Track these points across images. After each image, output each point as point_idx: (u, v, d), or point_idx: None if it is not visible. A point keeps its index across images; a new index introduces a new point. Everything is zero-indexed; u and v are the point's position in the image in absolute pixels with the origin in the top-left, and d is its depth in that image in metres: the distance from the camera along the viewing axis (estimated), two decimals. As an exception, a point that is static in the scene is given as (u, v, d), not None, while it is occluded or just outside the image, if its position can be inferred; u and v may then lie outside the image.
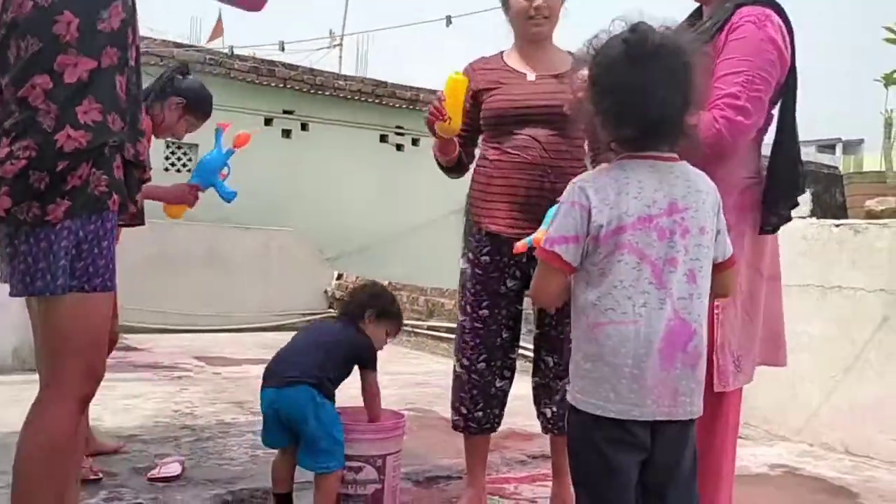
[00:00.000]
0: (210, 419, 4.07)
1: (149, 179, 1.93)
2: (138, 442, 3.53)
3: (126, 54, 1.78)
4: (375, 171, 9.33)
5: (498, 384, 2.71)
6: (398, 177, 9.35)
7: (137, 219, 1.90)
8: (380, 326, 2.67)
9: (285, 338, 2.70)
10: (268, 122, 8.95)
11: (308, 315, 7.72)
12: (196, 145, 7.99)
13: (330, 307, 8.07)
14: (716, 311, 1.97)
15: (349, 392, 2.67)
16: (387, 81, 9.74)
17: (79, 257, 1.69)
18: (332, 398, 2.51)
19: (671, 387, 1.60)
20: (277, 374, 2.51)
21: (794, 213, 2.15)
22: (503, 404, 2.75)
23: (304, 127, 9.21)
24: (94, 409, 3.33)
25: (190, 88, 3.23)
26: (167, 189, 3.19)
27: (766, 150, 2.13)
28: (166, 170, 8.12)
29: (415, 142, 9.70)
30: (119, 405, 4.23)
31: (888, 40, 4.13)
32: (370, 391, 2.63)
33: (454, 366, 2.78)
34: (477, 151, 2.82)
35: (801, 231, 4.01)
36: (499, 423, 2.76)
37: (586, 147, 2.61)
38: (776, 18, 2.01)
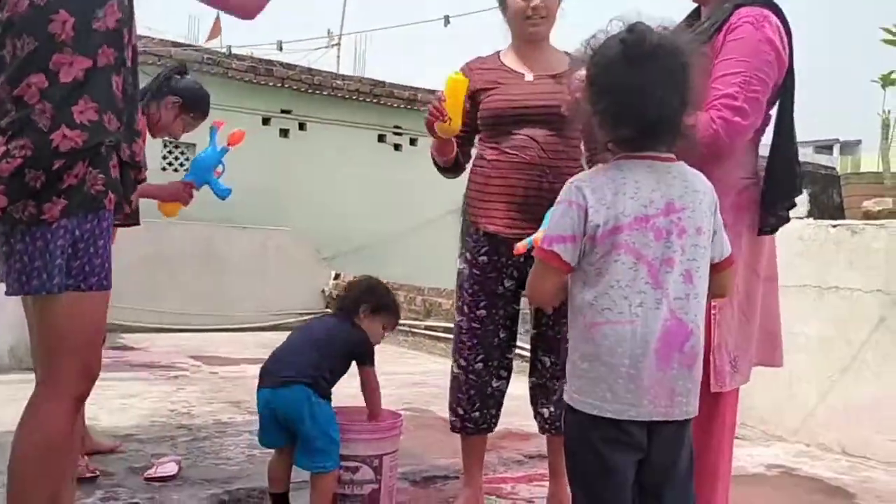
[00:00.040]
0: (207, 419, 4.06)
1: (144, 180, 1.93)
2: (135, 441, 3.53)
3: (123, 54, 1.78)
4: (373, 171, 9.33)
5: (495, 384, 2.71)
6: (396, 177, 9.35)
7: (132, 219, 1.90)
8: (375, 321, 2.65)
9: (282, 337, 2.69)
10: (265, 121, 8.95)
11: (305, 315, 7.71)
12: (193, 145, 7.98)
13: (327, 307, 8.07)
14: (713, 312, 1.97)
15: (346, 391, 2.67)
16: (385, 81, 9.74)
17: (75, 256, 1.69)
18: (328, 397, 2.50)
19: (668, 387, 1.60)
20: (273, 374, 2.50)
21: (791, 213, 2.15)
22: (500, 404, 2.75)
23: (301, 126, 9.20)
24: (90, 408, 3.34)
25: (186, 88, 3.23)
26: (161, 187, 3.19)
27: (764, 150, 2.13)
28: (164, 169, 8.12)
29: (413, 142, 9.71)
30: (115, 404, 4.22)
31: (886, 41, 4.14)
32: (369, 386, 2.62)
33: (451, 366, 2.78)
34: (473, 151, 2.82)
35: (798, 232, 4.01)
36: (495, 423, 2.76)
37: (582, 147, 2.61)
38: (774, 19, 2.01)
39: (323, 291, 8.31)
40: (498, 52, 2.76)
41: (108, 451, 3.28)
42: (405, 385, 5.10)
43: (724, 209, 1.76)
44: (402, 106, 9.68)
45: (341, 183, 9.07)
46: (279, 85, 8.91)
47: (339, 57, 12.23)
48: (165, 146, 8.20)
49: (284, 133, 9.10)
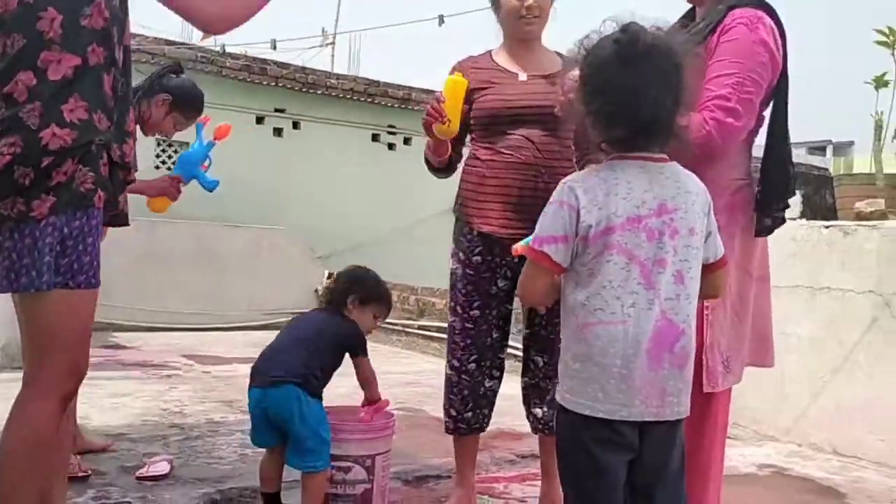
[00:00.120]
0: (199, 418, 4.05)
1: (133, 181, 1.93)
2: (126, 440, 3.51)
3: (113, 53, 1.77)
4: (367, 170, 9.33)
5: (487, 384, 2.71)
6: (390, 176, 9.35)
7: (121, 219, 1.90)
8: (365, 311, 2.63)
9: (274, 336, 2.68)
10: (259, 120, 8.94)
11: (298, 314, 7.70)
12: (187, 143, 7.95)
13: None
14: (705, 312, 1.97)
15: (337, 391, 2.66)
16: (379, 80, 9.74)
17: (63, 254, 1.69)
18: (318, 396, 2.50)
19: (659, 387, 1.60)
20: (263, 374, 2.49)
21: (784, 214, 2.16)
22: (492, 404, 2.74)
23: (295, 125, 9.19)
24: (81, 407, 3.33)
25: (177, 86, 3.21)
26: (149, 182, 3.17)
27: (758, 151, 2.13)
28: (157, 167, 8.09)
29: (407, 141, 9.70)
30: (107, 403, 4.21)
31: (879, 43, 4.15)
32: (364, 376, 2.60)
33: (445, 367, 2.77)
34: (464, 150, 2.81)
35: (790, 232, 4.01)
36: (487, 423, 2.76)
37: (573, 148, 2.61)
38: (768, 21, 2.01)
39: (316, 291, 8.28)
40: (490, 52, 2.75)
41: (99, 450, 3.27)
42: (398, 385, 5.08)
43: (718, 210, 1.76)
44: (397, 105, 9.68)
45: (335, 182, 9.06)
46: (273, 84, 8.90)
47: (333, 56, 12.25)
48: (159, 145, 8.18)
49: (278, 132, 9.09)
